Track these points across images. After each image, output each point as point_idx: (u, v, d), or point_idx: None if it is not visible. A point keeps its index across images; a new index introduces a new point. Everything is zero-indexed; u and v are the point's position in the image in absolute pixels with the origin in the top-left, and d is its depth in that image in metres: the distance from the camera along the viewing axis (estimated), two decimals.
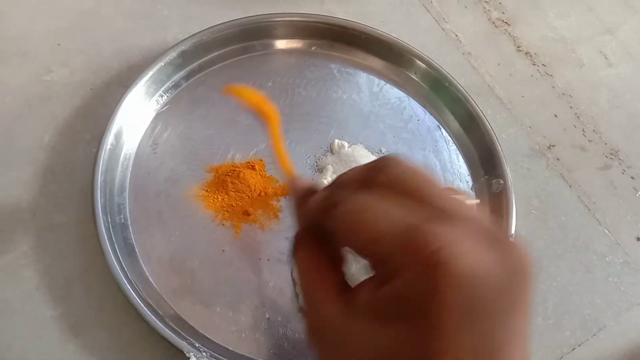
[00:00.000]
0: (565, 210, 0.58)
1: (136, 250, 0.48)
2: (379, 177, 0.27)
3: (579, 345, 0.51)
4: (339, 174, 0.53)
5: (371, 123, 0.59)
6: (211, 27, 0.58)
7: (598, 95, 0.67)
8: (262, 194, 0.53)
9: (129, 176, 0.52)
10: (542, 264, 0.54)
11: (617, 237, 0.57)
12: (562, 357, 0.51)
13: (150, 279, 0.47)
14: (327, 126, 0.58)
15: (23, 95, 0.54)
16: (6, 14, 0.58)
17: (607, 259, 0.56)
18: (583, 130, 0.64)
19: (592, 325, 0.53)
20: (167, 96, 0.56)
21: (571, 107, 0.65)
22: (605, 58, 0.70)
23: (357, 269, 0.47)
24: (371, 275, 0.26)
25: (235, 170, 0.53)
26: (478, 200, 0.55)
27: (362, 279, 0.26)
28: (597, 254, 0.56)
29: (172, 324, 0.44)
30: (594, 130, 0.64)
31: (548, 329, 0.52)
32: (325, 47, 0.62)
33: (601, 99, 0.67)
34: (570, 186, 0.60)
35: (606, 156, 0.63)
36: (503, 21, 0.70)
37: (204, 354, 0.43)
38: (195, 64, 0.58)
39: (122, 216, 0.49)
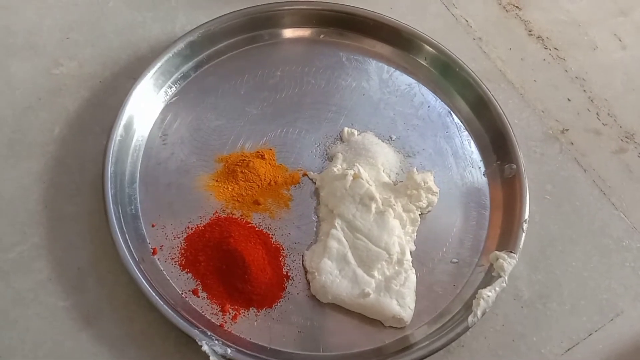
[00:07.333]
0: (580, 194, 0.57)
1: (147, 240, 0.48)
2: None
3: (596, 330, 0.51)
4: (349, 162, 0.53)
5: (381, 110, 0.58)
6: (218, 17, 0.58)
7: (612, 78, 0.66)
8: (272, 182, 0.52)
9: (139, 167, 0.52)
10: (556, 249, 0.54)
11: (633, 221, 0.56)
12: (578, 342, 0.50)
13: (162, 268, 0.47)
14: (337, 114, 0.57)
15: (33, 88, 0.54)
16: (14, 8, 0.59)
17: (624, 243, 0.55)
18: (597, 114, 0.63)
19: (609, 311, 0.52)
20: (175, 87, 0.56)
21: (584, 90, 0.64)
22: (619, 40, 0.69)
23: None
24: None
25: (244, 159, 0.53)
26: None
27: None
28: (613, 238, 0.55)
29: (184, 313, 0.44)
30: (609, 114, 0.63)
31: (564, 314, 0.51)
32: (334, 35, 0.62)
33: (615, 81, 0.65)
34: (584, 170, 0.59)
35: (621, 139, 0.61)
36: (514, 5, 0.69)
37: (216, 342, 0.43)
38: (203, 55, 0.58)
39: (132, 207, 0.50)
